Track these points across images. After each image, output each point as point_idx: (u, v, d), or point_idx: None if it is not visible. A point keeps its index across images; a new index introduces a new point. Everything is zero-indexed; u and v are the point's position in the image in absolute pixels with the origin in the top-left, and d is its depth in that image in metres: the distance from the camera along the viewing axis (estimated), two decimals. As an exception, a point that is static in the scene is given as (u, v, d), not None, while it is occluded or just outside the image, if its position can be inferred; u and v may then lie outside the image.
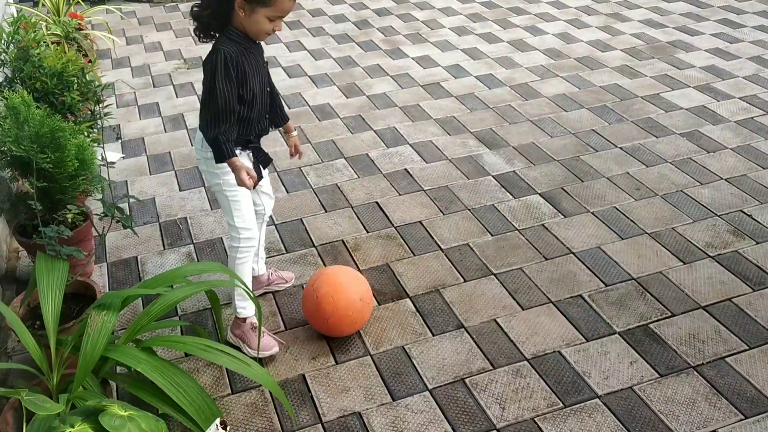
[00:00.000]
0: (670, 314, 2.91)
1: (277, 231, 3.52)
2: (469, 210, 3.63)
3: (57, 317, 2.24)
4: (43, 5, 5.27)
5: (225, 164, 2.42)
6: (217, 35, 2.36)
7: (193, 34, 2.45)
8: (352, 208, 3.70)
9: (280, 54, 5.70)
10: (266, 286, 3.08)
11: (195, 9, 2.35)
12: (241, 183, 2.43)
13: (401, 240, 3.43)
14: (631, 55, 5.40)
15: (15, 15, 4.15)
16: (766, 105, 4.57)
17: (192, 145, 4.37)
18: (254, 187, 2.50)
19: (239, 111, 2.39)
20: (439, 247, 3.37)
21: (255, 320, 2.77)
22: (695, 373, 2.62)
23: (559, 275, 3.16)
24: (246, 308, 2.76)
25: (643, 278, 3.11)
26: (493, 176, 3.92)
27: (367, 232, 3.49)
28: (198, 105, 4.86)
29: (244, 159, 2.51)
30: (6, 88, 3.29)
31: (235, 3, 2.24)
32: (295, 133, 2.81)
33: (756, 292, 3.02)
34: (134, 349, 2.19)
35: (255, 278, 3.00)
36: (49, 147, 2.77)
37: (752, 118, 4.42)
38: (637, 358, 2.70)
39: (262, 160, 2.61)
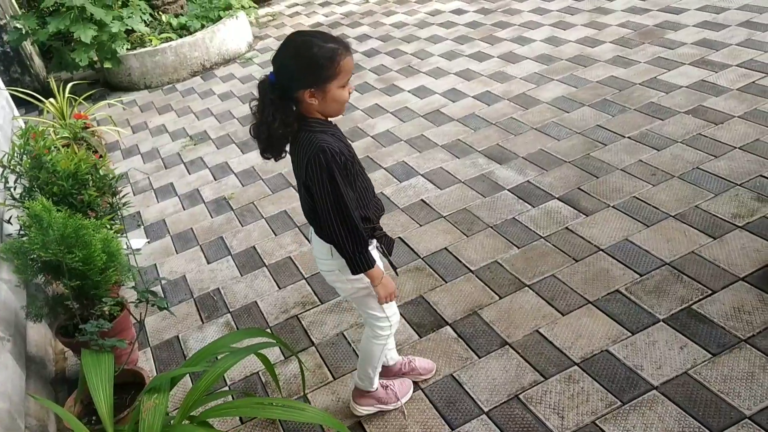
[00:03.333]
0: (710, 292, 2.88)
1: (308, 284, 3.56)
2: (491, 227, 3.65)
3: (110, 409, 2.28)
4: (48, 112, 5.46)
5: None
6: (298, 135, 2.11)
7: (261, 155, 2.18)
8: (376, 247, 3.72)
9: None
10: (399, 376, 2.81)
11: (257, 128, 2.11)
12: (380, 299, 2.30)
13: (430, 270, 3.45)
14: (621, 45, 5.42)
15: (23, 127, 4.30)
16: (764, 67, 4.55)
17: (211, 217, 4.46)
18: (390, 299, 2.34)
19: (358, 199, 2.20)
20: (469, 269, 3.38)
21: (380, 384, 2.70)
22: (748, 345, 2.59)
23: (592, 274, 3.15)
24: (375, 381, 2.63)
25: (677, 261, 3.09)
26: (508, 190, 3.94)
27: (396, 268, 3.51)
28: (211, 178, 4.97)
29: (373, 252, 2.30)
30: (26, 198, 3.41)
31: (304, 96, 2.03)
32: None
33: (793, 253, 2.98)
34: (190, 426, 2.22)
35: (386, 368, 2.78)
36: (76, 246, 2.85)
37: (754, 82, 4.41)
38: (687, 342, 2.67)
39: (389, 248, 2.39)
